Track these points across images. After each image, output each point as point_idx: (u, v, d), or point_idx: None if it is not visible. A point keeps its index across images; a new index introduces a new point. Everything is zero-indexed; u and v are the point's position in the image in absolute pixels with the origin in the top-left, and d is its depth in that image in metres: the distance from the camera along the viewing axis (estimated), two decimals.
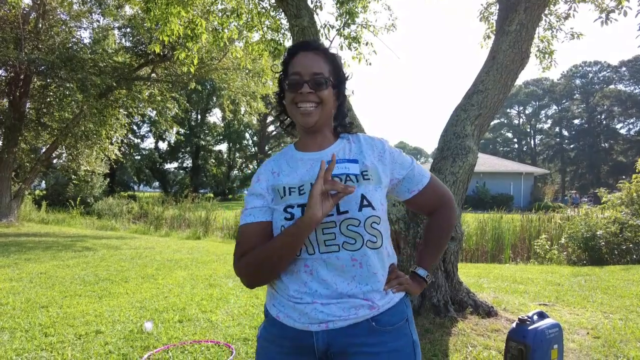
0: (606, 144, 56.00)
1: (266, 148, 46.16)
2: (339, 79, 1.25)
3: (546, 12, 5.89)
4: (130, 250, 8.57)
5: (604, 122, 56.69)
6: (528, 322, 3.00)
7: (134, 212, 18.43)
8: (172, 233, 13.66)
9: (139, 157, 36.35)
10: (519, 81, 49.58)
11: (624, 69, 55.22)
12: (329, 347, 1.12)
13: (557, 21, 5.95)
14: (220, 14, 6.28)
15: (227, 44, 6.67)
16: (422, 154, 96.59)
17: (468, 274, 7.25)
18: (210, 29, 6.33)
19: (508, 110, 62.49)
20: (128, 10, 15.17)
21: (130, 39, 16.37)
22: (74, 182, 18.26)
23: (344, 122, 1.31)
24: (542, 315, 3.14)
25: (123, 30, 16.46)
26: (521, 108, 63.20)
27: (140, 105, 16.02)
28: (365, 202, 1.12)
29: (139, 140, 37.19)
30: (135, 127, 34.03)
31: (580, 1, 5.44)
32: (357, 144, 1.27)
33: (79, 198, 17.36)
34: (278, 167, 1.25)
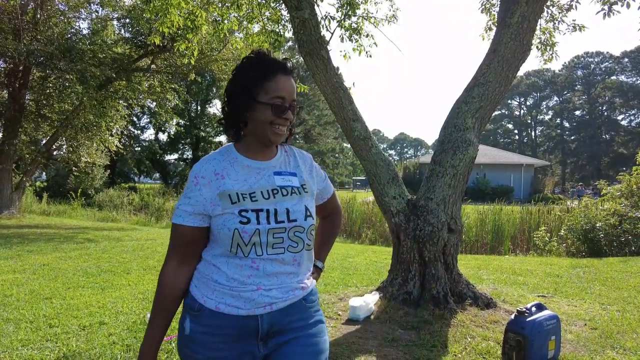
0: (607, 136, 55.88)
1: None
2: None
3: (548, 3, 5.85)
4: (131, 241, 8.62)
5: (605, 114, 56.50)
6: (526, 314, 3.04)
7: (134, 204, 18.48)
8: None
9: (139, 149, 36.29)
10: (520, 72, 49.26)
11: (626, 59, 54.91)
12: (271, 327, 1.26)
13: (559, 13, 5.91)
14: (220, 5, 6.23)
15: (227, 35, 6.64)
16: (422, 145, 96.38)
17: (468, 265, 7.30)
18: (210, 20, 6.30)
19: (509, 102, 62.21)
20: (127, 0, 15.06)
21: (130, 29, 16.26)
22: (75, 173, 18.27)
23: (291, 135, 1.42)
24: (540, 307, 3.18)
25: (122, 20, 16.35)
26: (522, 99, 62.94)
27: (140, 97, 15.96)
28: (308, 213, 1.30)
29: (139, 132, 37.08)
30: (135, 119, 33.87)
31: None
32: (293, 157, 1.41)
33: (79, 190, 17.39)
34: (221, 168, 1.28)
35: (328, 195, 1.54)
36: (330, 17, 5.37)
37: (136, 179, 40.60)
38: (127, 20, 15.86)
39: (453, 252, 4.00)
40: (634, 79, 54.74)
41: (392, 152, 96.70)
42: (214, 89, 35.63)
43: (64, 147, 15.58)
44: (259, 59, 1.29)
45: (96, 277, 5.27)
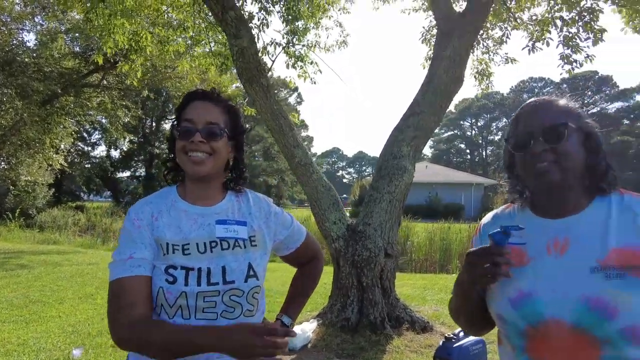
0: None
1: None
2: (236, 131, 1.21)
3: (484, 36, 6.23)
4: (71, 267, 8.15)
5: None
6: (453, 340, 3.12)
7: (80, 224, 17.54)
8: None
9: (89, 166, 34.76)
10: (472, 94, 51.97)
11: (565, 85, 59.06)
12: None
13: (493, 45, 6.30)
14: (166, 27, 6.18)
15: (174, 57, 6.57)
16: None
17: (415, 285, 7.45)
18: (156, 42, 6.22)
19: (461, 122, 65.13)
20: (76, 15, 14.62)
21: (79, 44, 15.76)
22: (14, 192, 17.19)
23: (238, 177, 1.26)
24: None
25: (71, 34, 15.84)
26: (474, 120, 66.01)
27: (90, 113, 15.40)
28: (251, 272, 1.13)
29: (89, 148, 35.61)
30: (85, 135, 32.56)
31: (513, 28, 5.81)
32: (245, 204, 1.24)
33: (18, 209, 16.30)
34: (158, 211, 1.14)
35: (297, 244, 1.35)
36: (276, 43, 5.45)
37: (85, 197, 38.73)
38: (77, 35, 15.38)
39: (390, 276, 4.08)
40: (573, 103, 59.01)
41: (351, 170, 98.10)
42: (170, 105, 34.95)
43: (2, 164, 14.68)
44: (187, 93, 1.23)
45: (22, 308, 4.92)
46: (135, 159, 37.77)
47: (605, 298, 0.87)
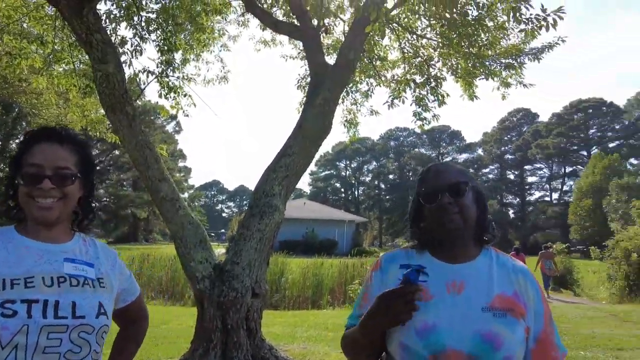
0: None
1: None
2: (87, 169, 1.18)
3: (353, 89, 6.85)
4: None
5: (412, 179, 67.63)
6: None
7: None
8: None
9: None
10: (346, 138, 55.90)
11: (424, 136, 67.50)
12: None
13: (361, 98, 6.95)
14: (19, 38, 5.48)
15: (26, 72, 5.84)
16: None
17: (286, 322, 7.47)
18: (4, 53, 5.46)
19: (337, 163, 69.52)
20: None
21: None
22: None
23: (87, 217, 1.23)
24: None
25: None
26: (348, 162, 71.00)
27: None
28: (102, 310, 1.09)
29: None
30: None
31: (377, 85, 6.51)
32: (93, 248, 1.23)
33: None
34: None
35: (133, 297, 1.33)
36: (149, 71, 5.23)
37: None
38: None
39: (257, 317, 4.04)
40: (431, 152, 67.65)
41: (231, 204, 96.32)
42: (23, 123, 30.49)
43: None
44: (29, 132, 1.15)
45: None
46: None
47: (494, 332, 1.07)
